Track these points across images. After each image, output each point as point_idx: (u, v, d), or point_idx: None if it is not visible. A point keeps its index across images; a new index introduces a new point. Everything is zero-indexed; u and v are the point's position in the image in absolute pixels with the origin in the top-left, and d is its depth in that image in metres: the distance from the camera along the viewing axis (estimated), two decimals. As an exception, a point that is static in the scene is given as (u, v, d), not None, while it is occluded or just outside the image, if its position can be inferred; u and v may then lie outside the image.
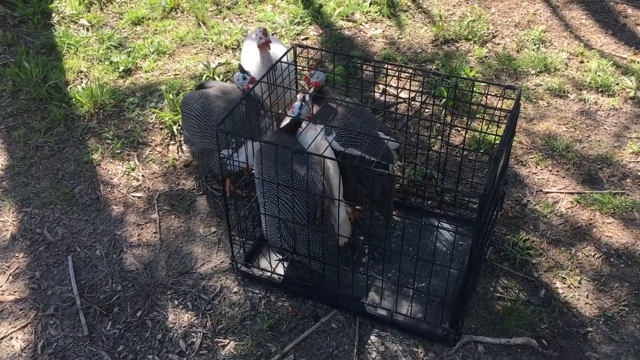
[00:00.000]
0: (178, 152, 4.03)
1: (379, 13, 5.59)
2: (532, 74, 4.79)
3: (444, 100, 4.24)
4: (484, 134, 3.24)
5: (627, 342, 2.91)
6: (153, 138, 4.14)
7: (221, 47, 5.13)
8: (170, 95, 4.34)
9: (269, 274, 3.17)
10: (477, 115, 4.08)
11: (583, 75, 4.75)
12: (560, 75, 4.76)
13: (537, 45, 5.11)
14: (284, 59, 3.16)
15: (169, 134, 4.15)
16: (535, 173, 3.86)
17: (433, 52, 5.07)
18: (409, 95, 4.28)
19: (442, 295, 2.91)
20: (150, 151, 4.04)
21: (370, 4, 5.69)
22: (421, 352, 2.88)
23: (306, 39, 5.30)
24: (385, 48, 5.13)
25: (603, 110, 4.42)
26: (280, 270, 3.19)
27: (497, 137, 3.22)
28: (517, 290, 3.15)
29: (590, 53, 5.00)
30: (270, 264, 3.23)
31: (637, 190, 3.73)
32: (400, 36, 5.29)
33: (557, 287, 3.17)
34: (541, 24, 5.39)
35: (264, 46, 3.55)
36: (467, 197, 3.47)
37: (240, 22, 5.49)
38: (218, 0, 5.76)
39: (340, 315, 3.04)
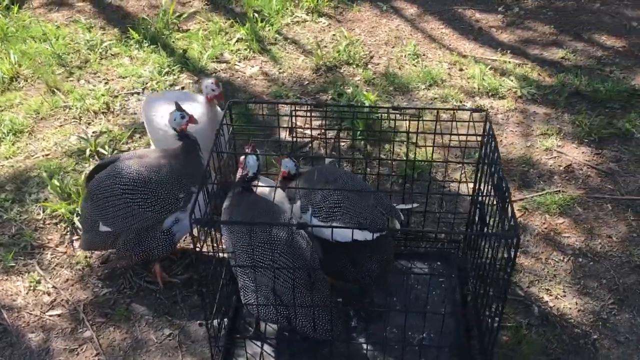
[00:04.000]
0: (87, 248, 3.35)
1: (248, 50, 5.27)
2: (423, 88, 4.79)
3: (359, 131, 4.04)
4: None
5: (631, 341, 2.92)
6: (49, 237, 3.42)
7: (89, 113, 4.46)
8: (56, 181, 3.62)
9: (257, 369, 2.71)
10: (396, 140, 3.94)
11: (469, 83, 4.85)
12: (449, 85, 4.82)
13: (416, 60, 5.15)
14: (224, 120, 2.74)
15: (69, 228, 3.45)
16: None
17: (321, 81, 4.87)
18: (322, 132, 4.01)
19: (444, 343, 2.70)
20: (52, 254, 3.32)
21: (237, 41, 5.36)
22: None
23: (182, 88, 4.81)
24: (270, 85, 4.83)
25: (501, 113, 4.53)
26: (269, 360, 2.75)
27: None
28: (512, 315, 3.02)
29: (465, 60, 5.15)
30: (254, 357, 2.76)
31: (567, 185, 3.84)
32: (280, 70, 5.02)
33: (547, 301, 3.10)
34: (406, 39, 5.44)
35: (215, 99, 3.18)
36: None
37: (101, 82, 4.84)
38: (64, 61, 5.03)
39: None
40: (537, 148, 4.16)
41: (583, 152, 4.12)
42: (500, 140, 4.24)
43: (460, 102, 4.62)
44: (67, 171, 3.85)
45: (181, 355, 2.84)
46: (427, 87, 4.80)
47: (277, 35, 5.47)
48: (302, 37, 5.52)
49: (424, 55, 5.25)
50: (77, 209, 3.45)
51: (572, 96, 4.70)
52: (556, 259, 3.33)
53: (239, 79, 4.92)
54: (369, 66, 5.10)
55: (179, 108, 2.94)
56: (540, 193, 3.75)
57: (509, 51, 5.24)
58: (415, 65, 5.07)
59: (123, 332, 2.93)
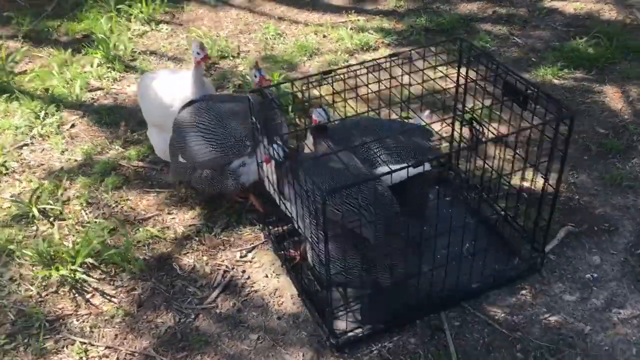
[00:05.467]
0: (110, 299, 3.06)
1: (112, 71, 5.00)
2: (307, 60, 5.07)
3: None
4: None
5: (600, 191, 3.61)
6: (59, 307, 3.03)
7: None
8: (28, 251, 3.18)
9: (361, 329, 2.83)
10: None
11: (341, 45, 5.24)
12: (327, 51, 5.16)
13: (282, 39, 5.38)
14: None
15: (74, 290, 3.09)
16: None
17: (210, 79, 4.85)
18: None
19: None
20: (77, 320, 2.96)
21: (97, 66, 5.04)
22: (527, 288, 3.05)
23: (73, 125, 4.44)
24: (163, 97, 4.67)
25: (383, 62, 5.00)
26: (369, 320, 2.88)
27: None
28: (513, 204, 3.50)
29: (323, 28, 5.51)
30: (346, 321, 2.86)
31: (476, 100, 4.45)
32: (162, 81, 4.87)
33: (523, 185, 3.66)
34: (255, 24, 5.62)
35: (202, 62, 3.38)
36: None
37: (-24, 145, 4.23)
38: None
39: (452, 312, 2.95)
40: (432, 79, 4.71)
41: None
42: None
43: (346, 60, 4.99)
44: (19, 240, 3.39)
45: (283, 349, 2.81)
46: (309, 58, 5.08)
47: (134, 52, 5.26)
48: (156, 46, 5.38)
49: (284, 33, 5.49)
50: (74, 267, 3.10)
51: (427, 33, 5.37)
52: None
53: (126, 100, 4.68)
54: (241, 55, 5.20)
55: (256, 67, 3.26)
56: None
57: (353, 11, 5.74)
58: (285, 44, 5.30)
59: (212, 356, 2.79)
